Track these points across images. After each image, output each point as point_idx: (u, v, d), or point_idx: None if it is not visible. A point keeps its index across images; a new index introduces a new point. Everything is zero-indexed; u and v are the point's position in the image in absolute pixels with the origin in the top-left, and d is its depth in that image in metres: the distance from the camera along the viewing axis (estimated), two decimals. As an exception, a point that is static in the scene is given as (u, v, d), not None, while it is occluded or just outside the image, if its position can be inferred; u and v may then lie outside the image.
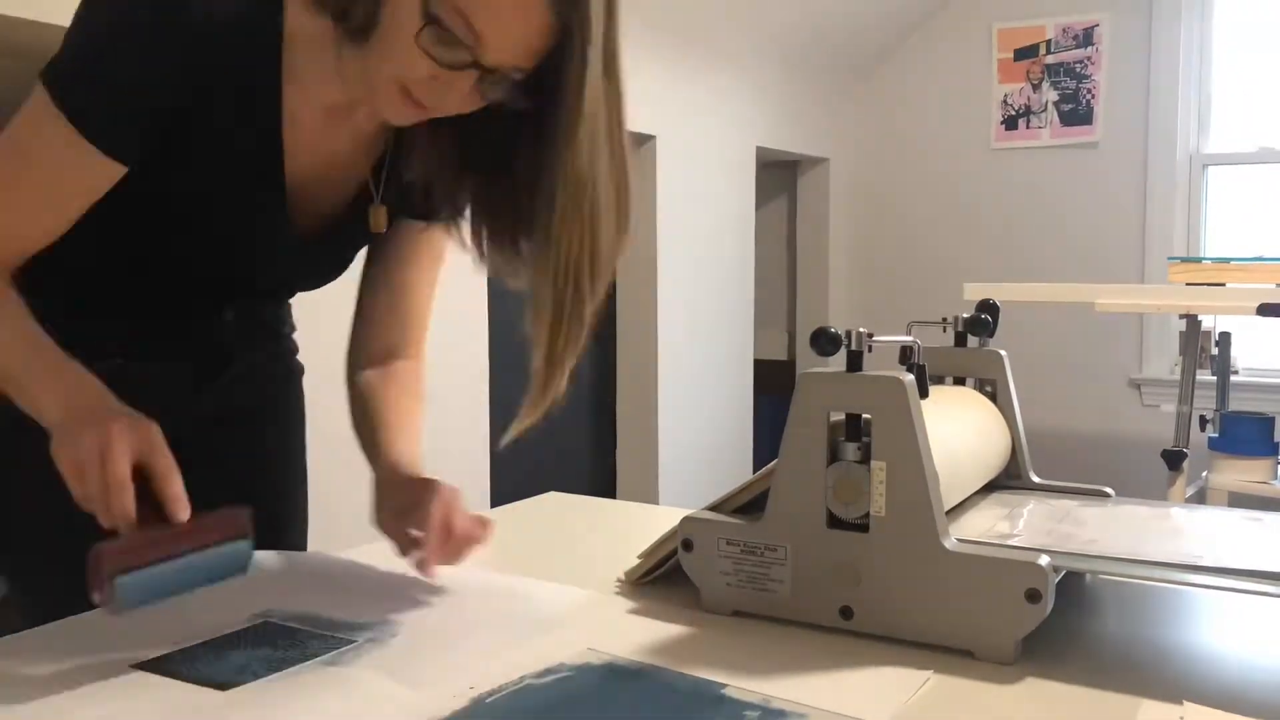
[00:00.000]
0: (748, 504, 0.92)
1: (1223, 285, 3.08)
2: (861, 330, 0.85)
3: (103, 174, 0.92)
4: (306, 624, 0.88)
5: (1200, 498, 3.12)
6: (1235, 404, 3.23)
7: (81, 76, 0.89)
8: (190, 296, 1.08)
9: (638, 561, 1.00)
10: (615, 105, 0.89)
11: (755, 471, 0.99)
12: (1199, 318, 3.09)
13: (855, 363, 0.85)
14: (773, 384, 4.16)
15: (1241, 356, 3.70)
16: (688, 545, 0.92)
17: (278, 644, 0.84)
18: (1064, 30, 4.18)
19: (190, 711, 0.72)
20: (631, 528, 1.22)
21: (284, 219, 1.02)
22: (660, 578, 0.98)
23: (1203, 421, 3.12)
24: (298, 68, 0.94)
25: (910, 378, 0.83)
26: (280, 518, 1.22)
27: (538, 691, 0.74)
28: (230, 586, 0.98)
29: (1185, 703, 0.73)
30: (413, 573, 0.96)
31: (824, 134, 4.41)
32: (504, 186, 0.96)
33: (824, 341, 0.84)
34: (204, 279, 1.06)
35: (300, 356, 1.29)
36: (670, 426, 3.59)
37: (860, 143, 4.58)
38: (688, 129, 3.58)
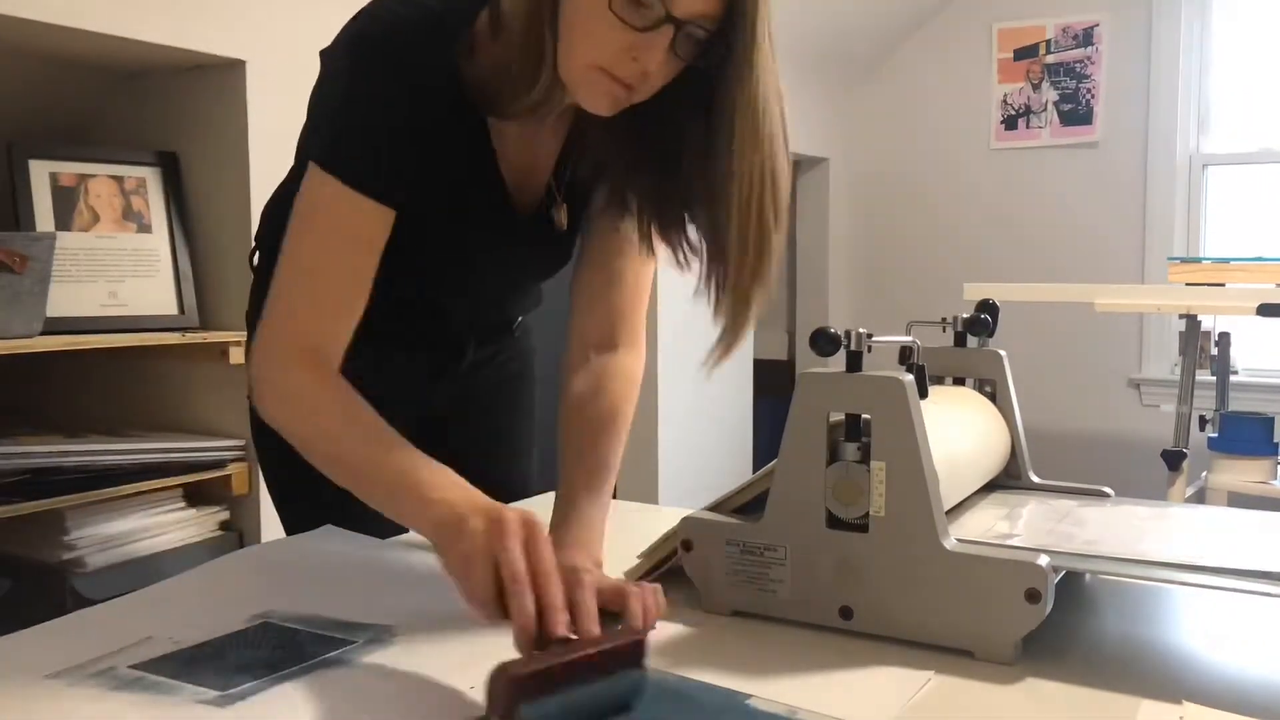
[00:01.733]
0: (748, 504, 0.92)
1: (1223, 285, 3.08)
2: (861, 330, 0.85)
3: (380, 223, 0.97)
4: (306, 624, 0.88)
5: (1200, 498, 3.11)
6: (1235, 404, 3.23)
7: (339, 139, 0.97)
8: (429, 299, 1.18)
9: (638, 561, 1.00)
10: (772, 37, 0.91)
11: (755, 471, 0.99)
12: (1199, 318, 3.09)
13: (855, 363, 0.85)
14: (773, 384, 4.15)
15: (1241, 356, 3.70)
16: (688, 545, 0.92)
17: (278, 644, 0.84)
18: (1064, 30, 4.18)
19: (190, 713, 0.72)
20: (631, 528, 1.22)
21: (506, 224, 1.08)
22: (660, 578, 0.98)
23: (1202, 421, 3.11)
24: (490, 91, 0.99)
25: (910, 378, 0.83)
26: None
27: (538, 691, 0.74)
28: (231, 587, 0.98)
29: (1185, 703, 0.73)
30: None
31: (824, 134, 4.40)
32: (672, 175, 0.98)
33: (823, 342, 0.84)
34: (441, 283, 1.16)
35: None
36: (670, 426, 3.58)
37: (860, 143, 4.57)
38: (688, 129, 3.58)
